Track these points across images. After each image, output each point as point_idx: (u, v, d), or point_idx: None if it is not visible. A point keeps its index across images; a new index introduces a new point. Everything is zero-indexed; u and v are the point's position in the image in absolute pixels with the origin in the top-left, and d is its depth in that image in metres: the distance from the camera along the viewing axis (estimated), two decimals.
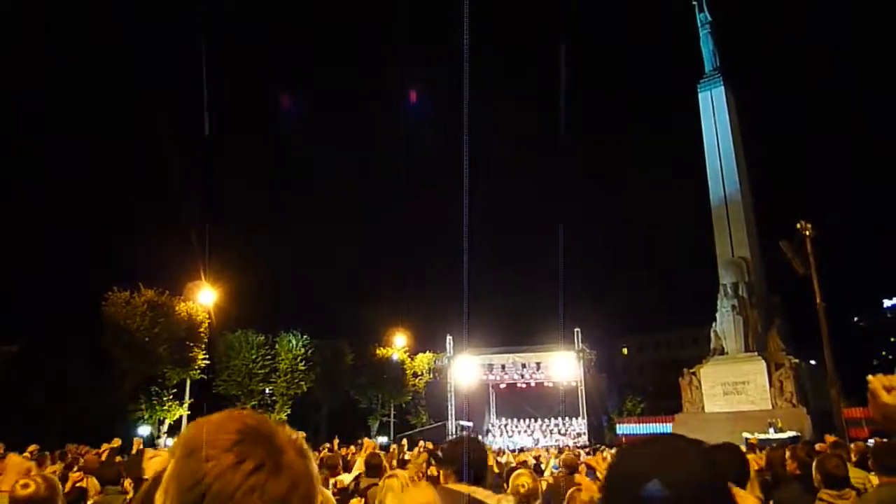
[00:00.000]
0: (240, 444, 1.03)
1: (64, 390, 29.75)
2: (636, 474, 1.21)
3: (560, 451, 22.80)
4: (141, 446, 13.99)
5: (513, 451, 23.45)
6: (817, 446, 10.77)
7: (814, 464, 5.05)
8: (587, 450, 26.41)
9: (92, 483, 7.37)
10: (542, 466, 15.20)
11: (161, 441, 31.69)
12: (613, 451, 18.67)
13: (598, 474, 8.65)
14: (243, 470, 1.00)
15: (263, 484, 1.00)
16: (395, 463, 11.36)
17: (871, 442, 15.12)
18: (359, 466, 8.12)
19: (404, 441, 21.69)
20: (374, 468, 7.17)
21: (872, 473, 6.57)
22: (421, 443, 16.29)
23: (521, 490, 5.18)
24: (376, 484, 6.70)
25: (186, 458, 1.04)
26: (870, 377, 2.16)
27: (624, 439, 39.74)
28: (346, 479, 8.06)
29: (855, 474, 6.30)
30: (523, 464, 12.36)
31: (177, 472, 1.04)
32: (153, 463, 4.65)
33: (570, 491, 5.76)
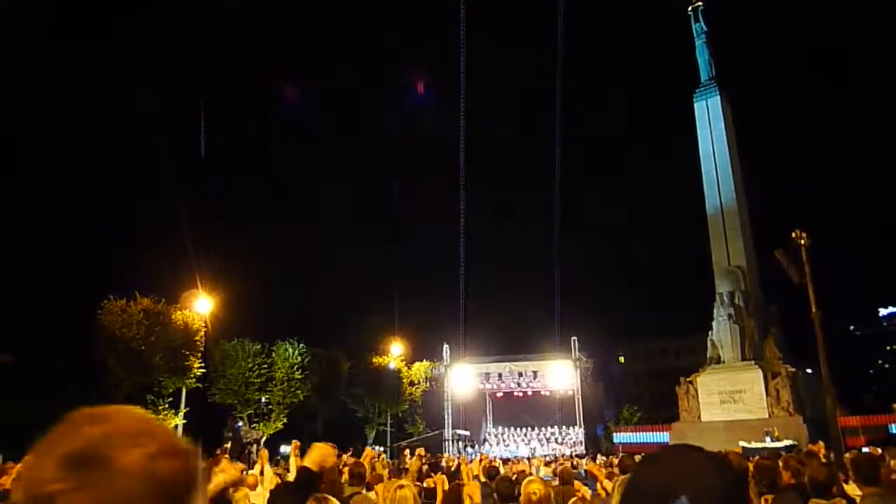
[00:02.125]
0: (57, 468, 0.95)
1: (58, 399, 29.63)
2: (662, 491, 1.19)
3: (550, 461, 22.74)
4: None
5: (506, 460, 23.36)
6: (804, 453, 10.77)
7: (807, 474, 5.08)
8: (584, 459, 26.35)
9: None
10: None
11: None
12: (614, 458, 18.62)
13: (599, 483, 8.64)
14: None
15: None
16: (386, 473, 11.34)
17: (865, 451, 15.13)
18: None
19: (406, 452, 21.70)
20: (357, 477, 7.18)
21: (851, 483, 6.58)
22: (418, 451, 16.27)
23: (533, 498, 5.18)
24: (360, 492, 6.69)
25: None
26: None
27: (621, 448, 39.67)
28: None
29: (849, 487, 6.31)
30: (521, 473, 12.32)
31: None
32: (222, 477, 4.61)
33: (571, 501, 5.77)
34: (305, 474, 3.98)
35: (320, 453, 3.97)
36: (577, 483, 7.96)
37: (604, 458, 26.93)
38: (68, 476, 0.94)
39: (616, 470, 10.65)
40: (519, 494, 5.50)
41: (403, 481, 5.68)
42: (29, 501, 0.95)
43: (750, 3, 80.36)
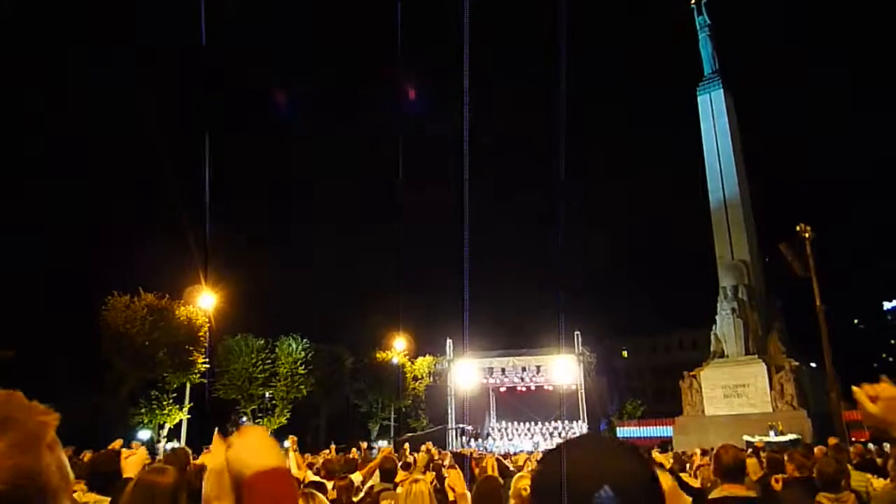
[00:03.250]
0: None
1: (61, 395, 29.70)
2: (580, 480, 1.17)
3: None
4: (139, 447, 13.92)
5: (505, 455, 23.35)
6: (815, 449, 10.75)
7: (815, 468, 5.05)
8: None
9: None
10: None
11: (161, 445, 31.65)
12: None
13: None
14: None
15: None
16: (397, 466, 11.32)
17: (870, 446, 15.08)
18: (370, 471, 8.09)
19: (406, 445, 21.69)
20: (388, 473, 7.09)
21: (872, 475, 6.56)
22: (424, 445, 16.27)
23: (524, 494, 5.14)
24: (389, 489, 6.64)
25: None
26: (854, 388, 2.17)
27: None
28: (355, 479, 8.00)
29: (856, 477, 6.29)
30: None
31: None
32: (130, 462, 4.60)
33: None
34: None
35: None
36: None
37: None
38: None
39: None
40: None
41: (418, 475, 5.67)
42: None
43: None
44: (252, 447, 1.33)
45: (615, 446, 1.27)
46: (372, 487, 7.04)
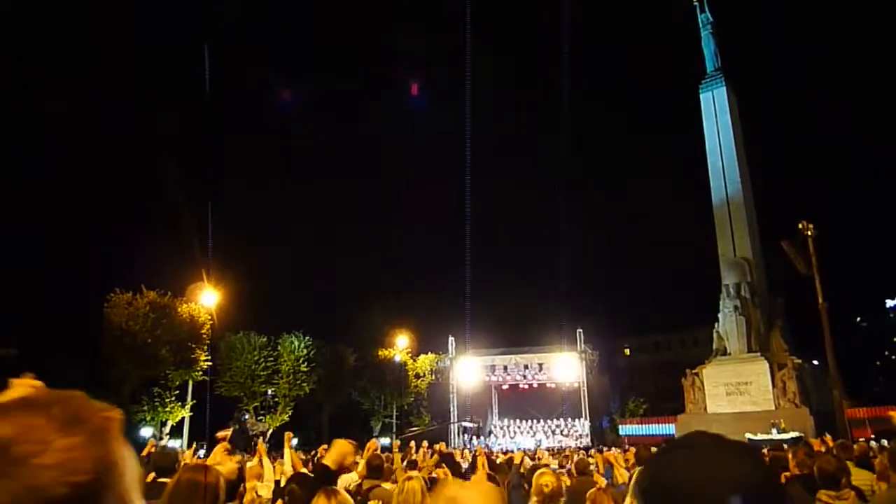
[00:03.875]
0: None
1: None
2: (706, 491, 1.03)
3: (556, 452, 22.74)
4: (154, 447, 13.92)
5: (505, 452, 23.39)
6: (815, 447, 10.74)
7: (815, 466, 5.05)
8: (590, 451, 26.34)
9: None
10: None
11: (163, 443, 31.72)
12: (631, 449, 18.61)
13: (618, 471, 8.63)
14: None
15: None
16: (403, 464, 11.34)
17: (873, 444, 15.08)
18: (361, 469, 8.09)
19: (412, 443, 21.73)
20: (376, 470, 7.08)
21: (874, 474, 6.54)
22: (425, 443, 16.30)
23: (545, 490, 5.17)
24: (378, 485, 6.65)
25: None
26: (892, 412, 2.17)
27: (627, 440, 39.69)
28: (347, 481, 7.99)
29: (859, 475, 6.28)
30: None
31: None
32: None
33: (590, 491, 5.76)
34: (322, 471, 3.97)
35: (340, 451, 3.95)
36: (595, 475, 7.96)
37: (618, 450, 26.90)
38: None
39: (628, 461, 10.64)
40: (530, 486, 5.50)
41: (412, 472, 5.68)
42: None
43: None
44: (478, 499, 1.38)
45: (735, 447, 1.12)
46: (360, 485, 7.05)
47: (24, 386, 1.43)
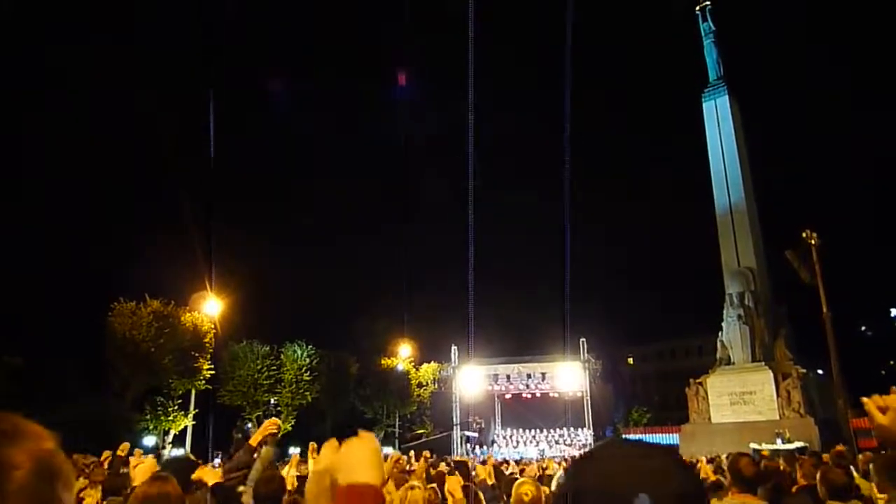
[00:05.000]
0: None
1: (68, 402, 29.77)
2: (614, 488, 1.06)
3: (565, 461, 22.64)
4: (141, 456, 13.91)
5: (517, 461, 23.30)
6: (824, 457, 10.68)
7: (818, 475, 5.01)
8: None
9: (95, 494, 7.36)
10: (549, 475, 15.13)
11: (166, 451, 31.68)
12: None
13: None
14: None
15: None
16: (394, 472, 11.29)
17: (883, 453, 14.96)
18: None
19: (411, 452, 21.68)
20: None
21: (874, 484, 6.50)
22: (425, 453, 16.32)
23: (525, 499, 5.14)
24: None
25: None
26: (864, 399, 2.16)
27: None
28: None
29: (864, 486, 6.24)
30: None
31: None
32: (139, 470, 4.60)
33: None
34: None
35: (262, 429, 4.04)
36: None
37: None
38: None
39: None
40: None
41: (415, 482, 5.65)
42: None
43: (758, 1, 79.96)
44: (357, 457, 1.36)
45: (650, 450, 1.15)
46: None
47: None
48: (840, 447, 11.94)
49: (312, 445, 9.86)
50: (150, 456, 6.53)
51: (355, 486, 1.31)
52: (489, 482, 10.57)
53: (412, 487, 4.94)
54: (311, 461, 9.24)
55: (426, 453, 16.49)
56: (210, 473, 4.52)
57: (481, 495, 8.03)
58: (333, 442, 1.45)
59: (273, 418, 5.41)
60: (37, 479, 0.91)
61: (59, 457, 0.97)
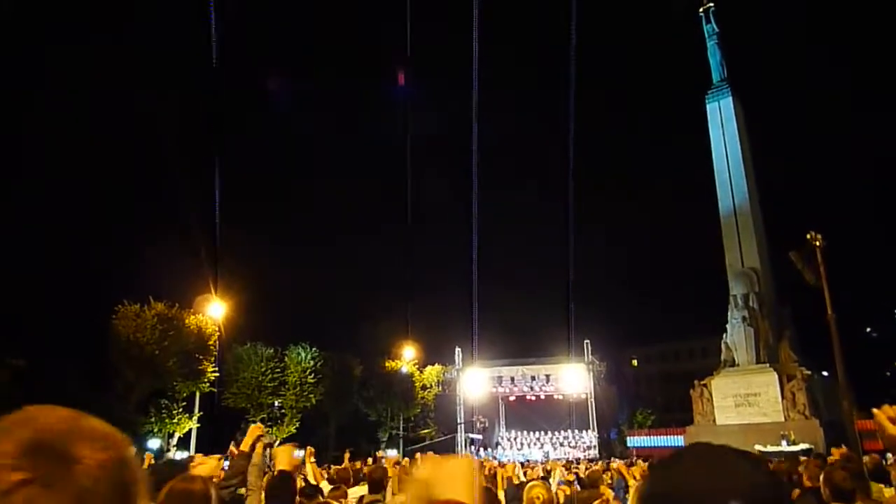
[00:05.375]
0: (6, 456, 0.90)
1: (72, 404, 29.72)
2: (701, 496, 1.00)
3: (568, 464, 22.61)
4: (152, 461, 13.95)
5: (521, 464, 23.26)
6: (828, 459, 10.65)
7: (821, 477, 4.98)
8: (596, 463, 26.17)
9: None
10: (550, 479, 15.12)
11: (171, 454, 31.72)
12: (643, 462, 18.47)
13: (631, 482, 8.58)
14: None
15: (31, 501, 0.86)
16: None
17: (889, 455, 14.91)
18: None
19: (417, 455, 21.67)
20: (376, 484, 6.88)
21: (885, 486, 6.49)
22: (430, 454, 16.28)
23: (537, 502, 5.15)
24: (379, 500, 6.57)
25: None
26: (874, 410, 2.16)
27: (635, 452, 39.44)
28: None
29: (872, 487, 6.22)
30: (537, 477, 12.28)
31: None
32: (201, 470, 4.60)
33: (596, 502, 5.73)
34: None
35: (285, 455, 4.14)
36: (602, 487, 7.92)
37: (621, 461, 26.74)
38: (31, 466, 0.89)
39: (637, 473, 10.59)
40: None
41: None
42: None
43: (764, 3, 79.86)
44: (455, 475, 1.44)
45: (739, 455, 1.08)
46: (362, 499, 6.98)
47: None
48: (843, 449, 11.88)
49: (309, 450, 9.86)
50: (214, 457, 6.45)
51: (450, 502, 1.38)
52: (515, 481, 10.61)
53: None
54: (308, 466, 9.23)
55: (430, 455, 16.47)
56: (207, 467, 4.57)
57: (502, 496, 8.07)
58: (432, 455, 1.56)
59: (256, 423, 5.51)
60: (99, 481, 0.92)
61: (129, 453, 1.00)
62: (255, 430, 4.56)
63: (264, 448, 4.58)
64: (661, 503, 1.07)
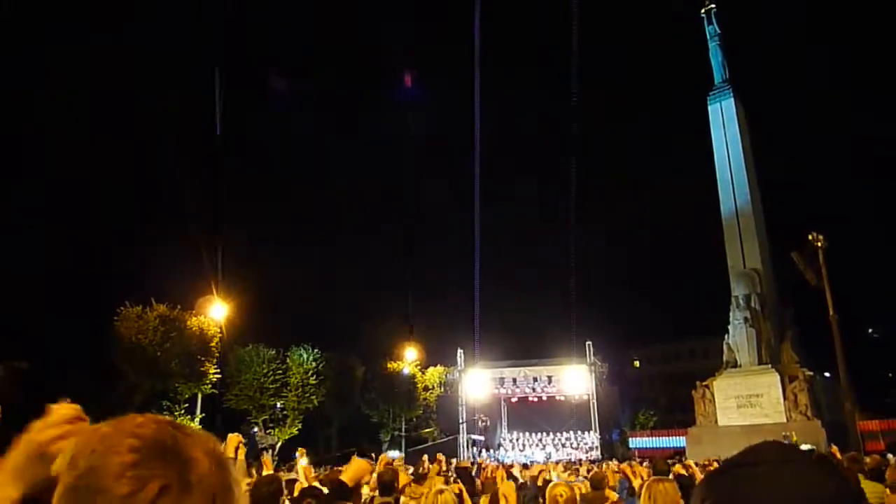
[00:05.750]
0: (136, 466, 0.88)
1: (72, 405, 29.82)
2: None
3: (566, 466, 22.61)
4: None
5: (524, 465, 23.28)
6: (847, 457, 10.63)
7: None
8: (598, 464, 26.15)
9: None
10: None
11: None
12: (641, 463, 18.44)
13: (635, 482, 8.58)
14: (143, 499, 0.85)
15: None
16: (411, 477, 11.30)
17: (890, 456, 14.92)
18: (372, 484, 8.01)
19: (425, 456, 21.67)
20: (387, 486, 6.84)
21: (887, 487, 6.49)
22: (439, 455, 16.21)
23: (560, 500, 5.18)
24: (390, 502, 6.55)
25: (73, 491, 0.89)
26: None
27: (637, 453, 39.41)
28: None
29: (871, 488, 6.22)
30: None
31: None
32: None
33: None
34: (338, 487, 3.96)
35: (358, 469, 3.94)
36: (607, 490, 7.93)
37: (617, 462, 26.71)
38: (162, 473, 0.89)
39: (644, 473, 10.57)
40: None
41: (442, 485, 5.66)
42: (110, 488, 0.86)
43: (765, 3, 79.82)
44: None
45: (808, 460, 1.00)
46: (372, 500, 6.97)
47: (66, 409, 1.48)
48: (834, 449, 11.89)
49: (301, 451, 9.91)
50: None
51: None
52: (539, 483, 10.62)
53: (441, 491, 4.97)
54: (299, 466, 9.26)
55: (441, 456, 16.36)
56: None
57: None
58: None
59: (234, 433, 5.48)
60: (217, 471, 0.93)
61: (225, 453, 1.00)
62: (232, 438, 4.41)
63: (267, 448, 4.57)
64: None
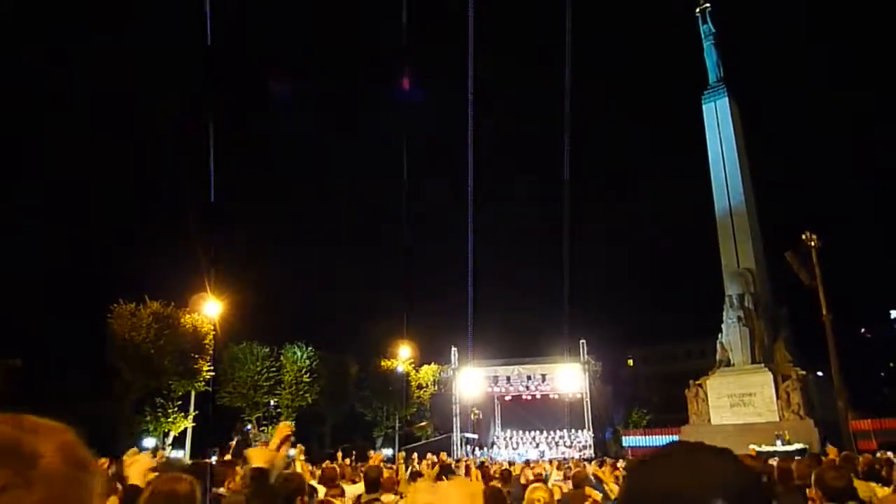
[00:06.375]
0: None
1: (68, 403, 29.77)
2: (684, 494, 1.02)
3: (560, 463, 22.63)
4: (136, 454, 13.91)
5: (512, 464, 23.28)
6: (823, 459, 10.69)
7: (812, 477, 4.97)
8: (593, 462, 26.20)
9: None
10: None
11: (166, 452, 31.67)
12: (621, 463, 18.52)
13: (606, 487, 8.60)
14: None
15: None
16: (407, 475, 11.29)
17: (890, 454, 14.95)
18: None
19: (414, 455, 21.68)
20: (374, 483, 6.81)
21: (877, 485, 6.53)
22: (429, 455, 16.26)
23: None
24: (378, 499, 6.55)
25: None
26: None
27: (630, 452, 39.51)
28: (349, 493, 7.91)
29: (861, 487, 6.25)
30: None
31: None
32: (133, 469, 4.58)
33: None
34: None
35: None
36: (587, 488, 7.94)
37: (611, 460, 26.77)
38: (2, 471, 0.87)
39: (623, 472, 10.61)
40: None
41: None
42: None
43: (759, 3, 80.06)
44: (455, 499, 1.42)
45: (715, 452, 1.11)
46: (359, 498, 6.96)
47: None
48: (831, 449, 11.93)
49: (300, 448, 9.89)
50: (145, 453, 6.43)
51: None
52: (522, 481, 10.63)
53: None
54: (298, 464, 9.24)
55: (432, 457, 16.40)
56: (258, 454, 4.45)
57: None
58: (427, 481, 1.49)
59: (287, 422, 5.35)
60: (65, 466, 0.91)
61: (81, 446, 0.97)
62: (283, 428, 4.27)
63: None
64: (645, 499, 1.08)
